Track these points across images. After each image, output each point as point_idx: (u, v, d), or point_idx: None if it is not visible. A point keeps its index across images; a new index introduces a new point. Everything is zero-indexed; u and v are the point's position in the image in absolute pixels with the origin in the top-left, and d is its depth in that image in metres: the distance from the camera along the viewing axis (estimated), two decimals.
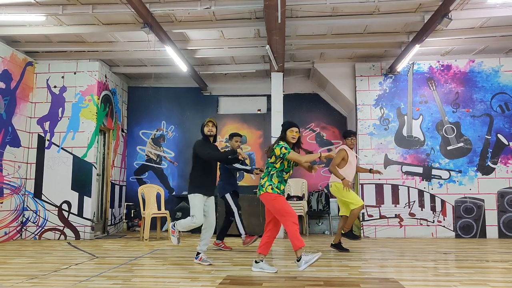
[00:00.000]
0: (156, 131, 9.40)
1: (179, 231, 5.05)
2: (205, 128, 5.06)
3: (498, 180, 7.59)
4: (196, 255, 4.95)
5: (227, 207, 6.14)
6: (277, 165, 4.43)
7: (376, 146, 7.94)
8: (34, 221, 7.43)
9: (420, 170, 7.80)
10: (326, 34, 7.21)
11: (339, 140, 9.08)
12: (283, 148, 4.34)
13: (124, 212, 9.04)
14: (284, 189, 4.45)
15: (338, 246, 5.89)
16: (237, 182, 6.48)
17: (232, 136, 6.32)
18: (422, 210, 7.67)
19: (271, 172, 4.44)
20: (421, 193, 7.73)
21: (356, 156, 6.26)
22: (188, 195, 4.97)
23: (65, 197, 7.46)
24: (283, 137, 4.52)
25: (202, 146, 4.97)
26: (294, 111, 9.00)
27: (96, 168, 7.70)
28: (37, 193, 7.51)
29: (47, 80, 7.80)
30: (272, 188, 4.35)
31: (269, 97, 8.42)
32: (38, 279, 4.01)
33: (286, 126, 4.56)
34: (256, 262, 4.42)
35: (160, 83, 9.49)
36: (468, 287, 3.66)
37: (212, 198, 5.08)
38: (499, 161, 7.64)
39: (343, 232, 5.86)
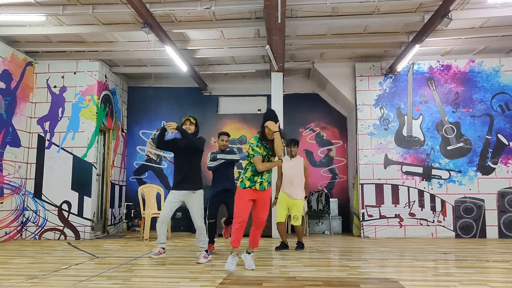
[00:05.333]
0: (156, 131, 9.38)
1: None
2: (183, 127, 4.97)
3: (498, 180, 7.58)
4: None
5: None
6: (252, 160, 4.41)
7: (376, 146, 7.93)
8: (34, 221, 7.43)
9: (420, 170, 7.79)
10: (326, 34, 7.21)
11: (339, 140, 9.08)
12: (251, 149, 4.36)
13: (124, 212, 9.04)
14: (258, 179, 4.36)
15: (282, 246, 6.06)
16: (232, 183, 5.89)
17: (219, 135, 6.01)
18: (422, 210, 7.67)
19: (247, 167, 4.47)
20: (421, 193, 7.72)
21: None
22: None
23: (65, 197, 7.46)
24: (261, 132, 4.38)
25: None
26: (294, 111, 9.01)
27: (96, 168, 7.69)
28: (37, 193, 7.51)
29: (47, 80, 7.80)
30: (241, 181, 4.41)
31: (269, 97, 8.41)
32: (38, 279, 4.01)
33: (270, 115, 4.38)
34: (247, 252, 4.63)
35: (160, 83, 9.49)
36: (468, 287, 3.66)
37: (191, 193, 4.98)
38: (499, 161, 7.63)
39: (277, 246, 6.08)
